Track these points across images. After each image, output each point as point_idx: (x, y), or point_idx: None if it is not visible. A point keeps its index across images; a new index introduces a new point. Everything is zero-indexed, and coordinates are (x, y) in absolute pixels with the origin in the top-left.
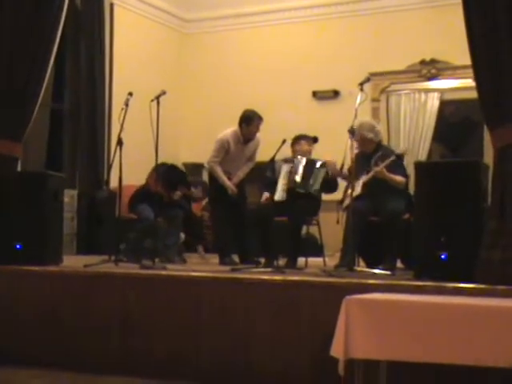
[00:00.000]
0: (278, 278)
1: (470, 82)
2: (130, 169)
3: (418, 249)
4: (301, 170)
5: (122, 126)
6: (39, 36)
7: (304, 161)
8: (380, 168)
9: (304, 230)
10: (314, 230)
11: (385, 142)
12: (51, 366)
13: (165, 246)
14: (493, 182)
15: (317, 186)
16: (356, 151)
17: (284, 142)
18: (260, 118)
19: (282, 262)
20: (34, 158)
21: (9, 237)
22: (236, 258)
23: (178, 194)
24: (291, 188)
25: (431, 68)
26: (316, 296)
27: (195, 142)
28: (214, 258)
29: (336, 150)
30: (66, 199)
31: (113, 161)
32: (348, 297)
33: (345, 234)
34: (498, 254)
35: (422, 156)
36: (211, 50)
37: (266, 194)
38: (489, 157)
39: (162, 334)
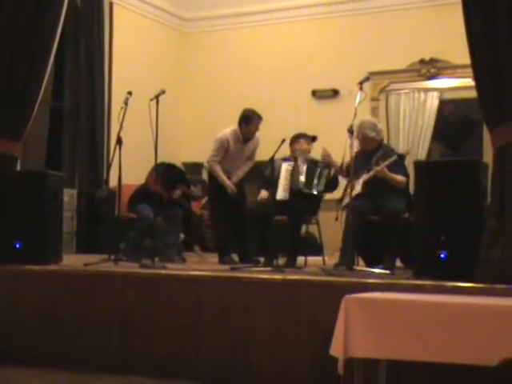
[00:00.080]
0: (277, 277)
1: (469, 82)
2: (130, 168)
3: (418, 248)
4: (304, 169)
5: (121, 125)
6: (39, 35)
7: (306, 160)
8: (381, 167)
9: (303, 229)
10: (313, 229)
11: (385, 141)
12: (51, 366)
13: (164, 245)
14: (492, 181)
15: (321, 187)
16: (356, 149)
17: (283, 141)
18: (259, 118)
19: (281, 261)
20: (33, 156)
21: (8, 236)
22: (235, 257)
23: (177, 193)
24: (296, 188)
25: (431, 67)
26: (315, 295)
27: (195, 141)
28: (213, 257)
29: (335, 149)
30: (65, 198)
31: (112, 160)
32: (347, 296)
33: (344, 233)
34: (497, 253)
35: (422, 155)
36: (210, 49)
37: (263, 192)
38: (488, 156)
39: (161, 334)
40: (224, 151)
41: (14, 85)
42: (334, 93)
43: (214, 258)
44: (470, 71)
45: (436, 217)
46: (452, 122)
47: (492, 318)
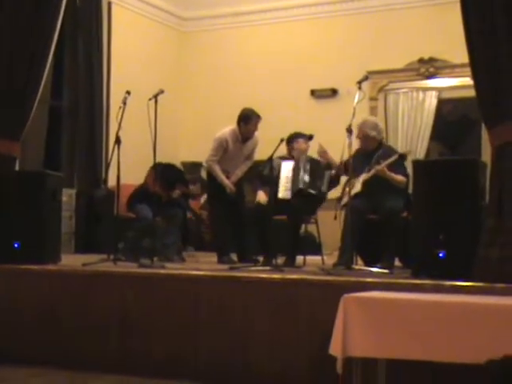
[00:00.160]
0: (276, 276)
1: (467, 81)
2: (129, 168)
3: (416, 247)
4: (308, 168)
5: (120, 124)
6: (39, 35)
7: (308, 160)
8: (381, 167)
9: (302, 228)
10: (312, 228)
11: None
12: (49, 365)
13: (163, 245)
14: (491, 180)
15: (325, 188)
16: (356, 148)
17: (282, 140)
18: (258, 117)
19: (280, 260)
20: (32, 156)
21: (7, 236)
22: (234, 256)
23: (176, 193)
24: (301, 187)
25: (429, 66)
26: (314, 294)
27: (194, 140)
28: (212, 257)
29: (334, 149)
30: (64, 198)
31: (111, 159)
32: (346, 295)
33: (343, 232)
34: (495, 252)
35: (420, 154)
36: (209, 48)
37: (260, 195)
38: (487, 155)
39: (160, 333)
40: (223, 151)
41: (13, 85)
42: (333, 92)
43: (212, 257)
44: (468, 70)
45: (434, 216)
46: (450, 121)
47: (491, 317)
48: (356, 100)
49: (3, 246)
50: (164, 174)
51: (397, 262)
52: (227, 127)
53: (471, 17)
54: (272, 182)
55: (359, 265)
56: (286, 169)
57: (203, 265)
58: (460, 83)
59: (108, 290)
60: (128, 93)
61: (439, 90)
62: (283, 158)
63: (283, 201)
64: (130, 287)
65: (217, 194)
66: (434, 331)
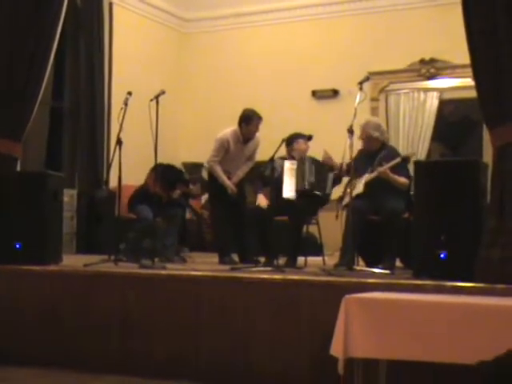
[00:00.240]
0: (277, 277)
1: (469, 81)
2: (130, 168)
3: (418, 248)
4: (313, 170)
5: (121, 125)
6: (39, 35)
7: (312, 161)
8: (384, 168)
9: (304, 229)
10: (313, 229)
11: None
12: (51, 366)
13: (164, 245)
14: (492, 181)
15: (328, 190)
16: (359, 149)
17: (283, 141)
18: (259, 118)
19: (281, 261)
20: (33, 156)
21: (8, 236)
22: (236, 257)
23: (177, 193)
24: (307, 188)
25: (430, 67)
26: (315, 295)
27: (195, 141)
28: (213, 257)
29: (335, 149)
30: (65, 199)
31: (112, 160)
32: (347, 296)
33: (344, 233)
34: (497, 253)
35: (422, 155)
36: (210, 49)
37: (261, 198)
38: (488, 156)
39: (161, 334)
40: (224, 151)
41: (14, 85)
42: (334, 93)
43: (213, 258)
44: (469, 71)
45: (436, 217)
46: (452, 121)
47: (492, 317)
48: (357, 101)
49: (5, 246)
50: (164, 174)
51: (398, 263)
52: (228, 128)
53: (472, 17)
54: (273, 182)
55: (360, 265)
56: (290, 168)
57: (204, 265)
58: (461, 84)
59: (109, 291)
60: (129, 93)
61: (440, 90)
62: (284, 159)
63: (286, 201)
64: (131, 288)
65: (218, 195)
66: (436, 332)
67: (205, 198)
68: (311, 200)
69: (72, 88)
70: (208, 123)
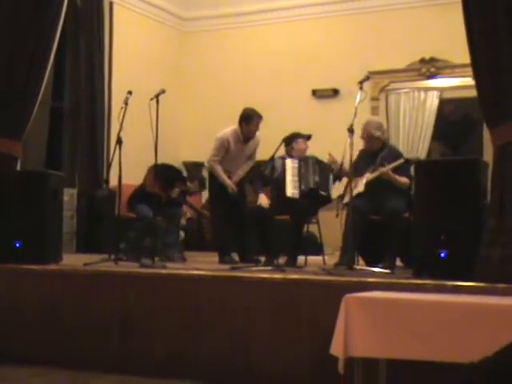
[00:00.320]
0: (277, 276)
1: (469, 81)
2: (130, 168)
3: (418, 247)
4: (317, 169)
5: (121, 124)
6: (39, 35)
7: (316, 161)
8: (386, 169)
9: (304, 228)
10: (313, 228)
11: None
12: (51, 365)
13: (164, 244)
14: (492, 180)
15: (330, 190)
16: (360, 149)
17: (283, 140)
18: (260, 117)
19: (281, 260)
20: (33, 156)
21: (8, 236)
22: (236, 256)
23: (176, 192)
24: (311, 187)
25: (430, 66)
26: (316, 294)
27: (195, 140)
28: (213, 257)
29: (335, 149)
30: (65, 198)
31: (112, 159)
32: (348, 295)
33: (344, 232)
34: (497, 252)
35: (422, 154)
36: (210, 48)
37: (262, 198)
38: (488, 155)
39: (161, 333)
40: (224, 151)
41: (14, 85)
42: (334, 92)
43: (214, 257)
44: (469, 70)
45: (436, 216)
46: (452, 121)
47: (492, 317)
48: (357, 100)
49: (5, 245)
50: (163, 174)
51: (398, 262)
52: (229, 127)
53: (473, 17)
54: (273, 182)
55: (361, 265)
56: (292, 167)
57: (204, 265)
58: (461, 83)
59: (109, 290)
60: (129, 93)
61: (441, 90)
62: (284, 158)
63: (289, 200)
64: (132, 287)
65: (218, 194)
66: (436, 331)
67: (205, 196)
68: (314, 199)
69: (72, 88)
70: (208, 122)
